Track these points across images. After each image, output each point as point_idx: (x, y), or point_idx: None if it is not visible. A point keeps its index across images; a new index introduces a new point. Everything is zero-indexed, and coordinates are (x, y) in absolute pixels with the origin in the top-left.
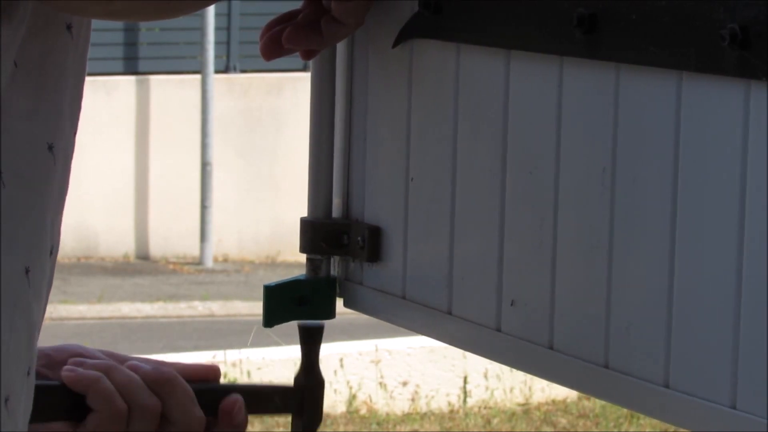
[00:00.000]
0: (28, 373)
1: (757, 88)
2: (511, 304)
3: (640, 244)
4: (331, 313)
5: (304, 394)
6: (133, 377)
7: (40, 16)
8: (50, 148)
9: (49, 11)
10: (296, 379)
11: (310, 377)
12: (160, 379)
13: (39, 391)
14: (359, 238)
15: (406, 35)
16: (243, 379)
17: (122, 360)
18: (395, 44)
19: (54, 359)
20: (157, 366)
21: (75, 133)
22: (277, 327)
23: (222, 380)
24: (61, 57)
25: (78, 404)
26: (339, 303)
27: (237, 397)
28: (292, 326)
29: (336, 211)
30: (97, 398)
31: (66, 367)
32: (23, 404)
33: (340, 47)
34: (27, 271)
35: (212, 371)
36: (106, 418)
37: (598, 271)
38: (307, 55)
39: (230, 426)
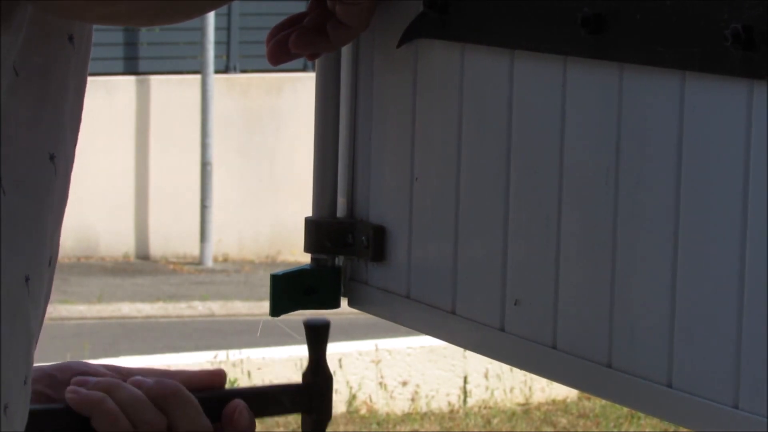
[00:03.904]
0: (25, 382)
1: (760, 88)
2: (515, 304)
3: (643, 244)
4: (336, 303)
5: (313, 392)
6: (137, 394)
7: (41, 26)
8: (51, 158)
9: (50, 21)
10: (304, 376)
11: (318, 374)
12: (164, 393)
13: (44, 415)
14: (364, 238)
15: (410, 35)
16: (244, 380)
17: (126, 374)
18: (400, 44)
19: (57, 379)
20: (161, 379)
21: (75, 145)
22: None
23: (225, 382)
24: (63, 67)
25: (83, 427)
26: (343, 302)
27: (238, 402)
28: (297, 322)
29: (341, 211)
30: (102, 420)
31: (69, 388)
32: (20, 413)
33: (345, 47)
34: (27, 280)
35: (217, 377)
36: None
37: (601, 271)
38: (313, 56)
39: (235, 431)
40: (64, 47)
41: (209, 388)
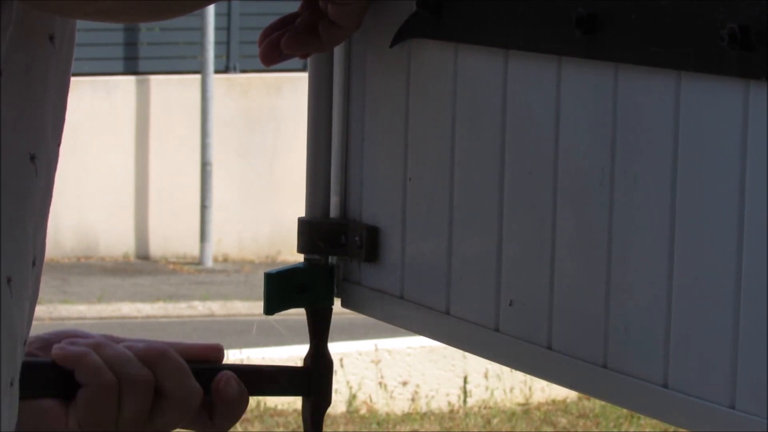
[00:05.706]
0: (11, 384)
1: (756, 88)
2: (510, 304)
3: (639, 244)
4: (330, 301)
5: (312, 375)
6: (123, 351)
7: (23, 26)
8: (32, 158)
9: (32, 21)
10: (305, 360)
11: (319, 358)
12: (151, 352)
13: (28, 368)
14: (357, 238)
15: (404, 35)
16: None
17: (118, 341)
18: (393, 44)
19: (49, 342)
20: (150, 342)
21: (59, 145)
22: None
23: (222, 358)
24: (43, 68)
25: (68, 381)
26: (337, 302)
27: (227, 372)
28: (295, 322)
29: (334, 211)
30: (85, 372)
31: (56, 345)
32: (7, 414)
33: (338, 47)
34: (9, 281)
35: (213, 350)
36: (95, 392)
37: (596, 271)
38: (305, 56)
39: (222, 402)
40: (45, 46)
41: (205, 361)
